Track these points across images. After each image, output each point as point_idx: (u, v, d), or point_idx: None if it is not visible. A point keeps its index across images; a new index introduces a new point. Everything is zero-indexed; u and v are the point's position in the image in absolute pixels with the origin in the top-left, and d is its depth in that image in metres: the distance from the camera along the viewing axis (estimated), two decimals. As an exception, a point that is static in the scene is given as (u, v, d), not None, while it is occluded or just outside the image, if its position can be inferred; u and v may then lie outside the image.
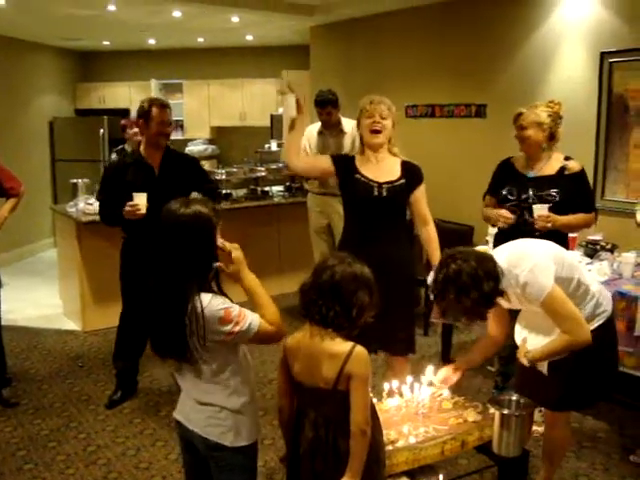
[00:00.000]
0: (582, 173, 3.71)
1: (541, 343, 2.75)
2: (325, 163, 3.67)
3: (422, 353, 5.21)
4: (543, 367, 2.83)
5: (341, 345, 2.16)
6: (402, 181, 3.53)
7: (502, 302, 2.76)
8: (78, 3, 6.39)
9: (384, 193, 3.49)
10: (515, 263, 2.66)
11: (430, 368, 3.02)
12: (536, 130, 3.61)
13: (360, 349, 2.17)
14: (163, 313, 2.14)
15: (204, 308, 2.07)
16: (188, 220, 2.14)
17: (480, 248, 3.58)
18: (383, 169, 3.55)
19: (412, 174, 3.58)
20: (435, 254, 3.55)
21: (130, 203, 3.85)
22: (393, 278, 3.33)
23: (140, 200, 3.84)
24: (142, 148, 4.16)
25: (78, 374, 4.89)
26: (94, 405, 4.38)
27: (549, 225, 3.51)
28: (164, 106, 4.08)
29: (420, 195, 3.61)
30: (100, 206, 4.38)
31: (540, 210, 3.54)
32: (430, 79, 6.56)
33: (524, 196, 3.67)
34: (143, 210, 3.83)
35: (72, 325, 5.94)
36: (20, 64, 8.81)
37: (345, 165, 3.60)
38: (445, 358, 4.96)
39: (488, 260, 2.63)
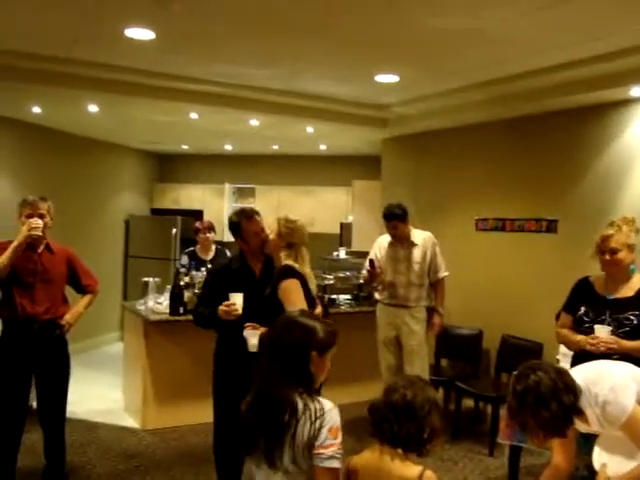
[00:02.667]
0: None
1: (623, 469, 2.60)
2: None
3: (487, 475, 5.00)
4: (626, 496, 2.66)
5: (411, 469, 2.11)
6: None
7: (580, 425, 2.65)
8: (163, 110, 6.74)
9: None
10: (594, 381, 2.58)
11: None
12: (627, 252, 3.53)
13: (430, 473, 2.12)
14: (266, 409, 2.16)
15: (327, 410, 2.11)
16: (295, 327, 2.24)
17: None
18: None
19: None
20: None
21: (226, 303, 3.81)
22: None
23: (237, 300, 3.81)
24: (246, 255, 4.17)
25: (134, 474, 4.82)
26: (148, 508, 4.30)
27: (602, 349, 3.38)
28: (251, 217, 4.07)
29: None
30: (197, 304, 4.37)
31: (600, 331, 3.44)
32: (501, 193, 6.57)
33: (601, 318, 3.55)
34: (240, 310, 3.80)
35: (131, 422, 5.92)
36: (102, 164, 9.30)
37: None
38: (512, 483, 4.73)
39: (566, 374, 2.58)
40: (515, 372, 2.66)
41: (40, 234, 4.08)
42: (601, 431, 2.72)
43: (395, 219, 5.41)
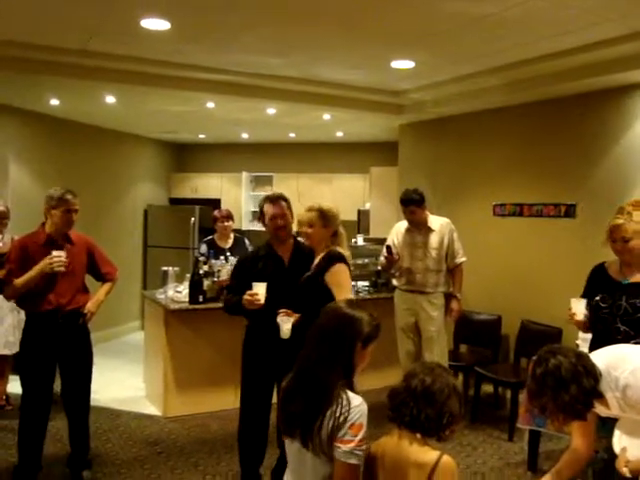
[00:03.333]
0: None
1: None
2: None
3: (506, 460, 5.00)
4: (646, 480, 2.65)
5: (429, 453, 2.12)
6: None
7: (601, 408, 2.63)
8: (179, 100, 6.76)
9: None
10: (614, 365, 2.56)
11: None
12: (638, 238, 3.51)
13: (447, 459, 2.12)
14: (304, 394, 2.20)
15: (353, 406, 2.13)
16: (343, 317, 2.28)
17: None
18: None
19: None
20: None
21: (249, 292, 3.80)
22: None
23: (259, 290, 3.79)
24: (273, 242, 4.15)
25: (156, 460, 4.88)
26: (171, 493, 4.35)
27: (580, 318, 3.55)
28: (274, 201, 4.06)
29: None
30: (225, 291, 4.47)
31: (576, 304, 3.47)
32: (518, 178, 6.53)
33: (617, 303, 3.54)
34: (262, 300, 3.78)
35: (153, 409, 5.98)
36: (120, 154, 9.36)
37: None
38: (532, 467, 4.73)
39: (587, 358, 2.56)
40: (535, 356, 2.66)
41: (64, 269, 4.08)
42: (621, 415, 2.72)
43: (412, 204, 5.41)
